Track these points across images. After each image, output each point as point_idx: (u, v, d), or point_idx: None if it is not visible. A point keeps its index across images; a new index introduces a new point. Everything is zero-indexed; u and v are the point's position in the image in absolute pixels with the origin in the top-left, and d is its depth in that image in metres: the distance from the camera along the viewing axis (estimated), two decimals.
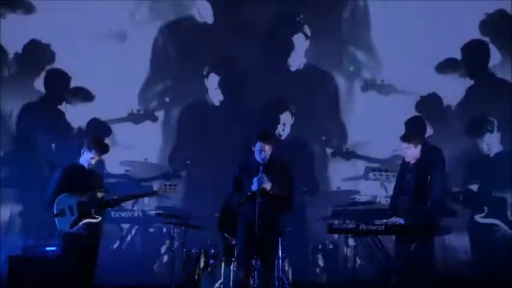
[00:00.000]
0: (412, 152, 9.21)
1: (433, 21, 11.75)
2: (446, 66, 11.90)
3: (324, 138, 12.06)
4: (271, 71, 12.05)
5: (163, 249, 11.86)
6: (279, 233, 9.01)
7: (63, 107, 11.94)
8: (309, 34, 12.08)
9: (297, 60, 12.12)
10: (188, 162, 12.02)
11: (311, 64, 12.10)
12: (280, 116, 12.00)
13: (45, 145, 11.70)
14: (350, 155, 11.90)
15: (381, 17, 11.98)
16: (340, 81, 12.10)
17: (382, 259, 9.02)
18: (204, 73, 12.12)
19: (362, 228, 8.83)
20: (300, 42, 12.10)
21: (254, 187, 8.73)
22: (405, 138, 9.30)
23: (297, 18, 12.06)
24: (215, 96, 12.11)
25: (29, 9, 12.01)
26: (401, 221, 8.96)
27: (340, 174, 11.94)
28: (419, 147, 9.21)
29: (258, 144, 8.85)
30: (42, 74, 12.01)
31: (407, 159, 9.28)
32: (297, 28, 12.07)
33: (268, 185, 8.73)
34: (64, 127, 11.89)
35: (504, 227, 11.27)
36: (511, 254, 11.09)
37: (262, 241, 8.71)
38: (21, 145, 11.76)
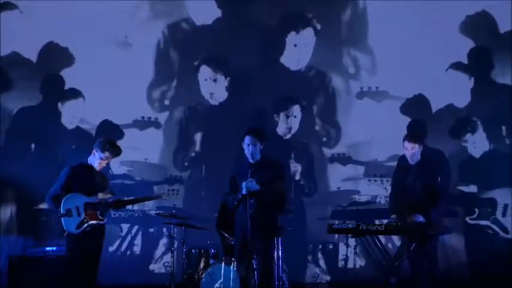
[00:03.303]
0: (416, 153, 9.19)
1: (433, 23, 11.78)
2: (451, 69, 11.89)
3: (324, 139, 12.06)
4: (273, 71, 12.03)
5: (163, 250, 11.87)
6: (273, 233, 9.01)
7: (59, 107, 11.92)
8: (319, 28, 12.04)
9: (305, 58, 12.07)
10: (186, 164, 12.01)
11: (311, 64, 12.09)
12: (291, 108, 11.96)
13: (44, 145, 11.70)
14: (347, 161, 11.90)
15: (380, 18, 11.97)
16: (339, 83, 12.08)
17: (382, 259, 9.03)
18: (196, 64, 12.07)
19: (362, 228, 8.82)
20: (309, 38, 12.04)
21: (243, 191, 8.79)
22: (412, 138, 9.27)
23: (306, 14, 12.01)
24: (206, 89, 12.05)
25: (28, 12, 11.99)
26: (422, 218, 8.95)
27: (340, 175, 11.93)
28: (421, 148, 9.21)
29: (246, 138, 8.86)
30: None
31: (410, 161, 9.25)
32: (306, 23, 12.00)
33: (256, 189, 8.75)
34: (60, 127, 11.87)
35: (495, 228, 11.30)
36: (505, 254, 11.13)
37: (255, 241, 8.76)
38: (21, 145, 11.77)
